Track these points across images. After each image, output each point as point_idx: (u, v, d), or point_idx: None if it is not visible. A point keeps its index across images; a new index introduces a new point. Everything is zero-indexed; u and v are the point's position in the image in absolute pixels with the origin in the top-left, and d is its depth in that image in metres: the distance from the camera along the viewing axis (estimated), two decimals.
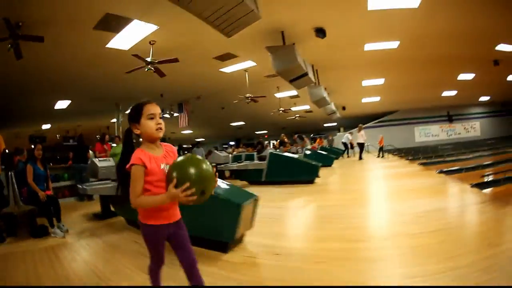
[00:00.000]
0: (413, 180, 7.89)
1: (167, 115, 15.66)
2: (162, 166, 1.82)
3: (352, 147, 18.86)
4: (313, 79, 9.87)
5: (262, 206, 5.41)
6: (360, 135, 15.94)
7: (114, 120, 15.44)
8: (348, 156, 18.56)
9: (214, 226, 3.31)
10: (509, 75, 15.63)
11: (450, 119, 24.91)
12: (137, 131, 1.87)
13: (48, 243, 4.11)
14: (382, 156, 16.22)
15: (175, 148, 2.03)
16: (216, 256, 3.18)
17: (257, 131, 29.35)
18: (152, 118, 1.83)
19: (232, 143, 28.22)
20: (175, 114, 15.83)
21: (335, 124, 26.97)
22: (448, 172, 8.24)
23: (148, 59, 8.30)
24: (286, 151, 11.39)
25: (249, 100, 13.02)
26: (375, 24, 8.53)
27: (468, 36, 9.86)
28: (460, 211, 4.57)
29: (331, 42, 9.23)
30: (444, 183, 7.03)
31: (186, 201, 1.66)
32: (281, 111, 18.22)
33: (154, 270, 2.03)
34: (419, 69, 13.60)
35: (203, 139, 29.40)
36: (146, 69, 8.52)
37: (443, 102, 21.81)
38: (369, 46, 10.21)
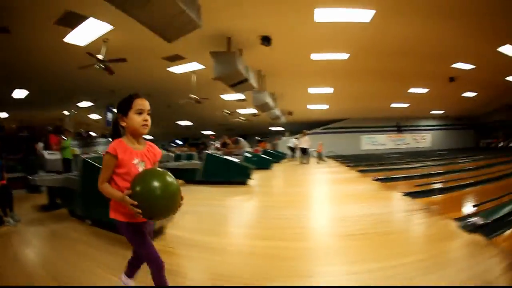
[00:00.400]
0: (348, 186, 8.34)
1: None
2: (135, 161, 1.84)
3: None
4: (255, 85, 10.27)
5: (196, 204, 6.03)
6: (304, 141, 16.76)
7: (67, 112, 15.48)
8: (293, 160, 19.25)
9: None
10: (464, 92, 16.42)
11: (399, 129, 25.78)
12: (123, 123, 1.89)
13: (2, 231, 4.47)
14: (324, 161, 17.09)
15: (160, 152, 2.05)
16: None
17: (204, 131, 29.31)
18: (140, 113, 1.85)
19: (180, 142, 28.26)
20: None
21: (282, 128, 27.51)
22: (384, 180, 8.40)
23: (100, 57, 8.61)
24: (228, 153, 11.73)
25: (194, 101, 13.42)
26: (322, 35, 8.91)
27: (423, 53, 10.43)
28: (386, 218, 4.66)
29: (278, 50, 9.63)
30: (377, 190, 7.27)
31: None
32: (226, 113, 18.74)
33: (157, 276, 1.90)
34: (370, 81, 14.14)
35: (152, 137, 29.16)
36: (97, 66, 8.87)
37: (395, 113, 22.59)
38: (315, 56, 10.62)
